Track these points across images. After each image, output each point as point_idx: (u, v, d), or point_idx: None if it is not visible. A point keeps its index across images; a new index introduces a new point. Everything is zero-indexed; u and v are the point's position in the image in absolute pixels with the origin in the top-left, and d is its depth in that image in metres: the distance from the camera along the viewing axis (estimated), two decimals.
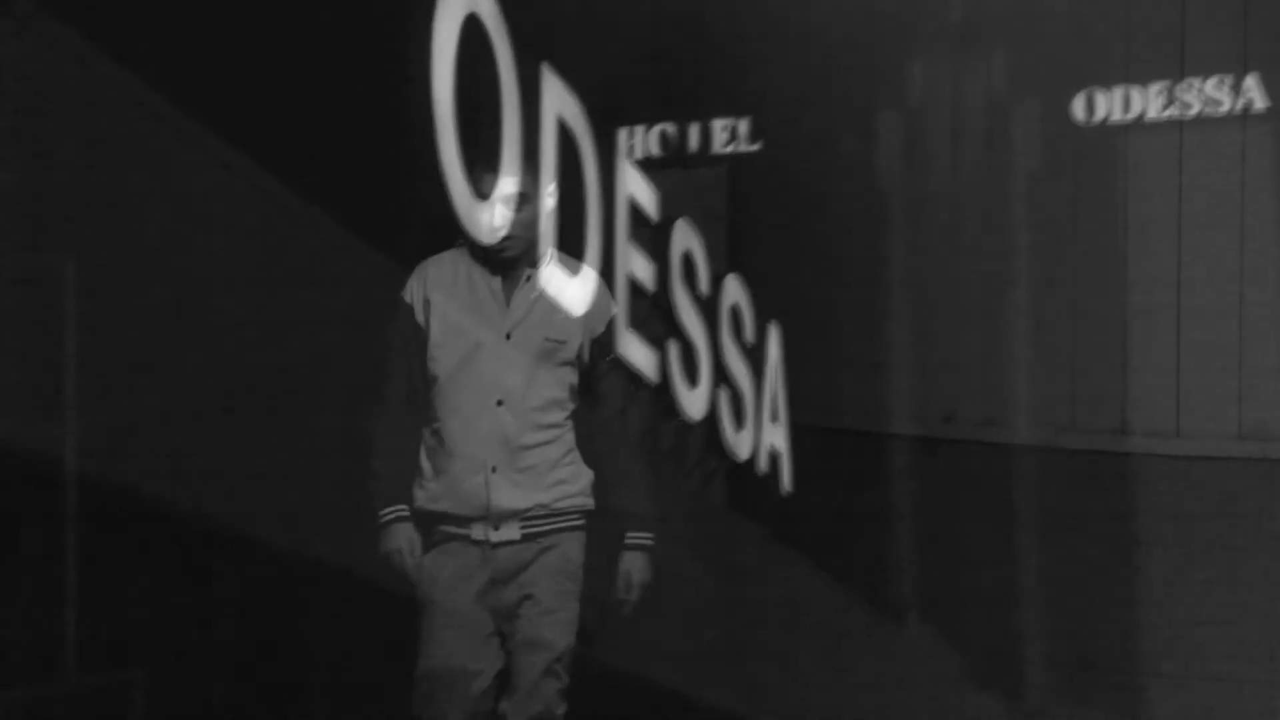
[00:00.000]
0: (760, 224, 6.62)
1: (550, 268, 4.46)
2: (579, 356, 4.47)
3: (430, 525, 4.44)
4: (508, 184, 4.39)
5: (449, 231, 4.55)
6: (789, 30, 6.40)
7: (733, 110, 6.95)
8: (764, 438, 6.49)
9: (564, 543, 4.45)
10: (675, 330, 6.03)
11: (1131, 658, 5.68)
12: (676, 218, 5.97)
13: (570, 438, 4.48)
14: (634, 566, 4.52)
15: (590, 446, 4.49)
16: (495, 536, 4.39)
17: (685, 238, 5.89)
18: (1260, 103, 5.53)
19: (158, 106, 8.24)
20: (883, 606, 6.16)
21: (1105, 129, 5.69)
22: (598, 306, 4.50)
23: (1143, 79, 5.63)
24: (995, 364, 5.87)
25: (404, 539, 4.38)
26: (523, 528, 4.41)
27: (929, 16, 6.01)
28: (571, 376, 4.45)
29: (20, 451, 7.06)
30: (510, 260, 4.40)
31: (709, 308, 6.17)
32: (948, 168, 5.97)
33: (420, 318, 4.46)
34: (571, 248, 4.70)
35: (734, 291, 6.16)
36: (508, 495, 4.38)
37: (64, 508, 6.38)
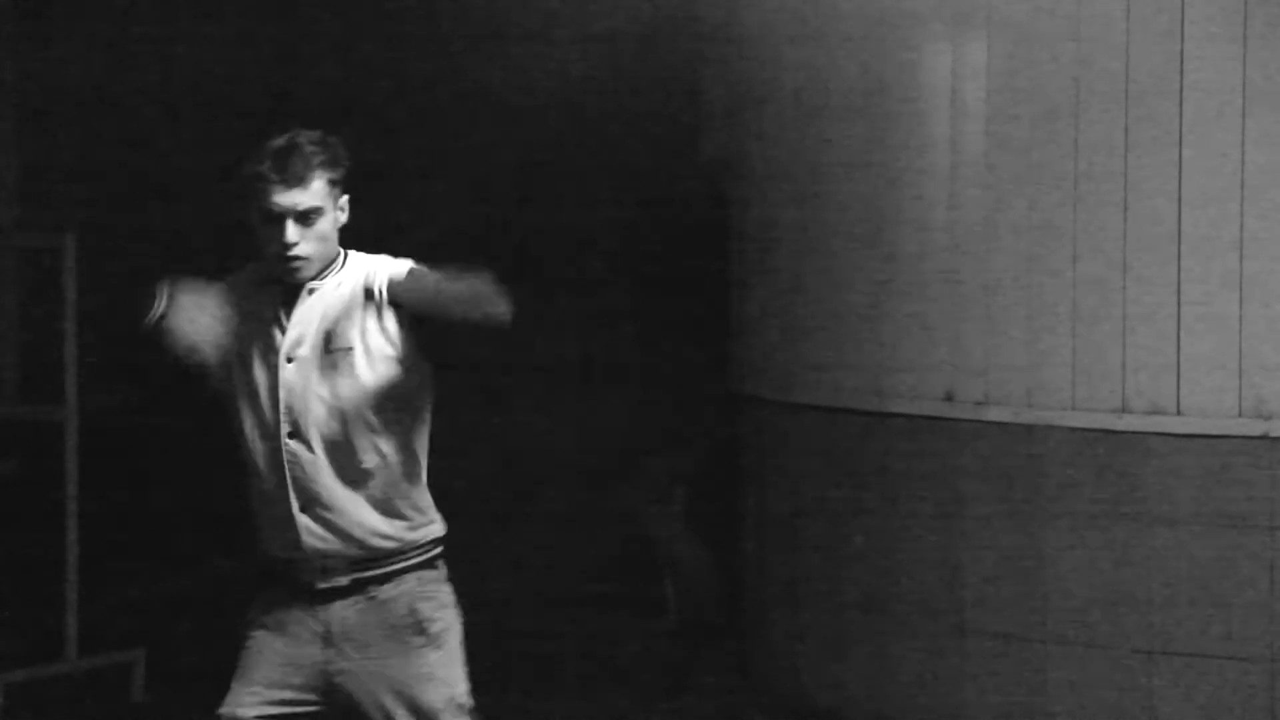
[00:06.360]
0: (761, 210, 6.63)
1: (339, 274, 3.99)
2: (395, 352, 3.95)
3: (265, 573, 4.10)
4: (300, 197, 3.89)
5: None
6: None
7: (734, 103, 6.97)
8: None
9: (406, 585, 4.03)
10: None
11: (1133, 636, 5.68)
12: None
13: (402, 465, 4.02)
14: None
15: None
16: (321, 582, 4.01)
17: None
18: (1259, 80, 5.54)
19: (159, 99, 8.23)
20: (886, 589, 6.17)
21: (1103, 113, 5.70)
22: (378, 278, 3.95)
23: (1142, 68, 5.64)
24: (994, 343, 5.87)
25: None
26: (353, 573, 4.02)
27: (926, 10, 6.02)
28: (396, 387, 3.96)
29: (21, 432, 7.09)
30: (302, 282, 3.95)
31: None
32: (947, 151, 5.97)
33: (220, 314, 3.93)
34: None
35: None
36: (319, 537, 3.99)
37: (64, 488, 6.40)
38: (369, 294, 3.95)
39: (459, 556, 4.23)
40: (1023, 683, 5.85)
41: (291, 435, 3.94)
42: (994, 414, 5.89)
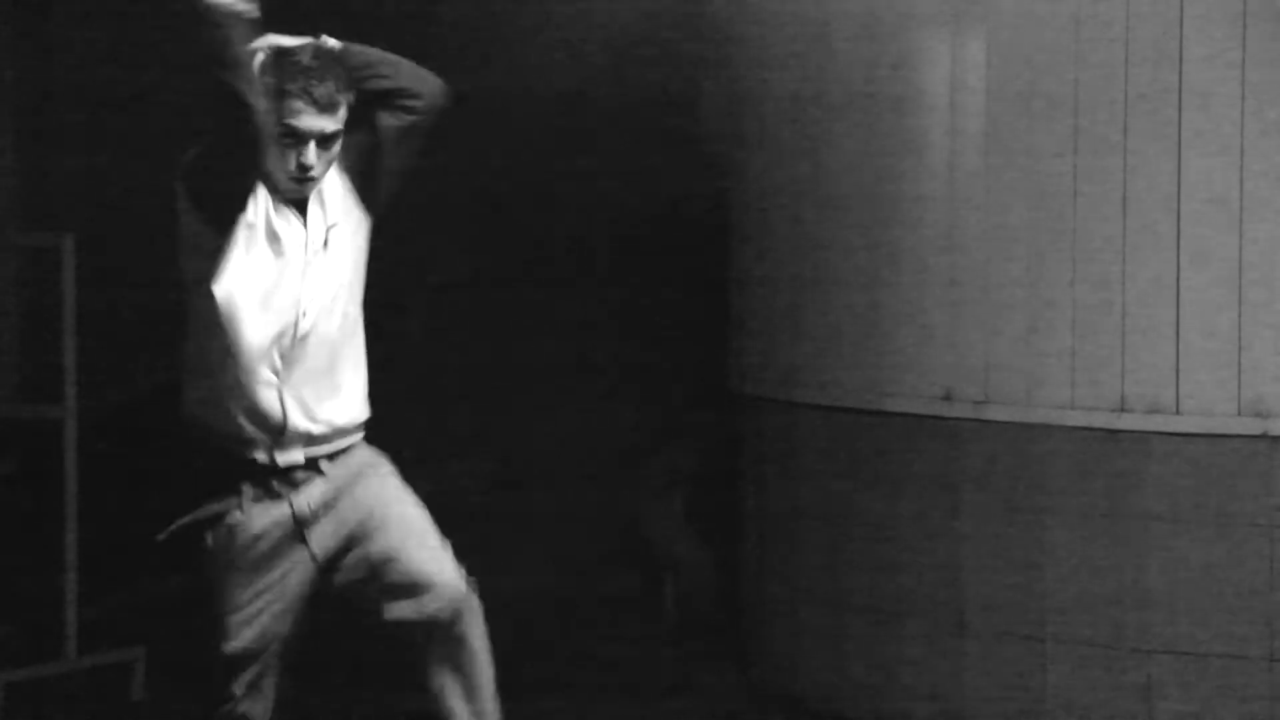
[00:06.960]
0: (761, 210, 6.63)
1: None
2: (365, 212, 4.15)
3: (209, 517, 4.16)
4: (327, 122, 3.97)
5: None
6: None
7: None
8: None
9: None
10: None
11: (1133, 635, 5.68)
12: None
13: (359, 337, 4.17)
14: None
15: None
16: (280, 456, 4.05)
17: None
18: (1259, 80, 5.54)
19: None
20: (888, 587, 6.17)
21: (1103, 113, 5.70)
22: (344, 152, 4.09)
23: (1142, 68, 5.64)
24: (994, 342, 5.87)
25: None
26: (307, 448, 4.10)
27: (926, 9, 6.02)
28: (362, 249, 4.15)
29: (21, 431, 7.09)
30: (306, 196, 4.03)
31: None
32: (946, 150, 5.97)
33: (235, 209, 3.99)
34: None
35: None
36: (301, 415, 4.05)
37: (64, 487, 6.39)
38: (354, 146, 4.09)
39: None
40: (1023, 683, 5.85)
41: (299, 322, 3.96)
42: (994, 413, 5.88)
